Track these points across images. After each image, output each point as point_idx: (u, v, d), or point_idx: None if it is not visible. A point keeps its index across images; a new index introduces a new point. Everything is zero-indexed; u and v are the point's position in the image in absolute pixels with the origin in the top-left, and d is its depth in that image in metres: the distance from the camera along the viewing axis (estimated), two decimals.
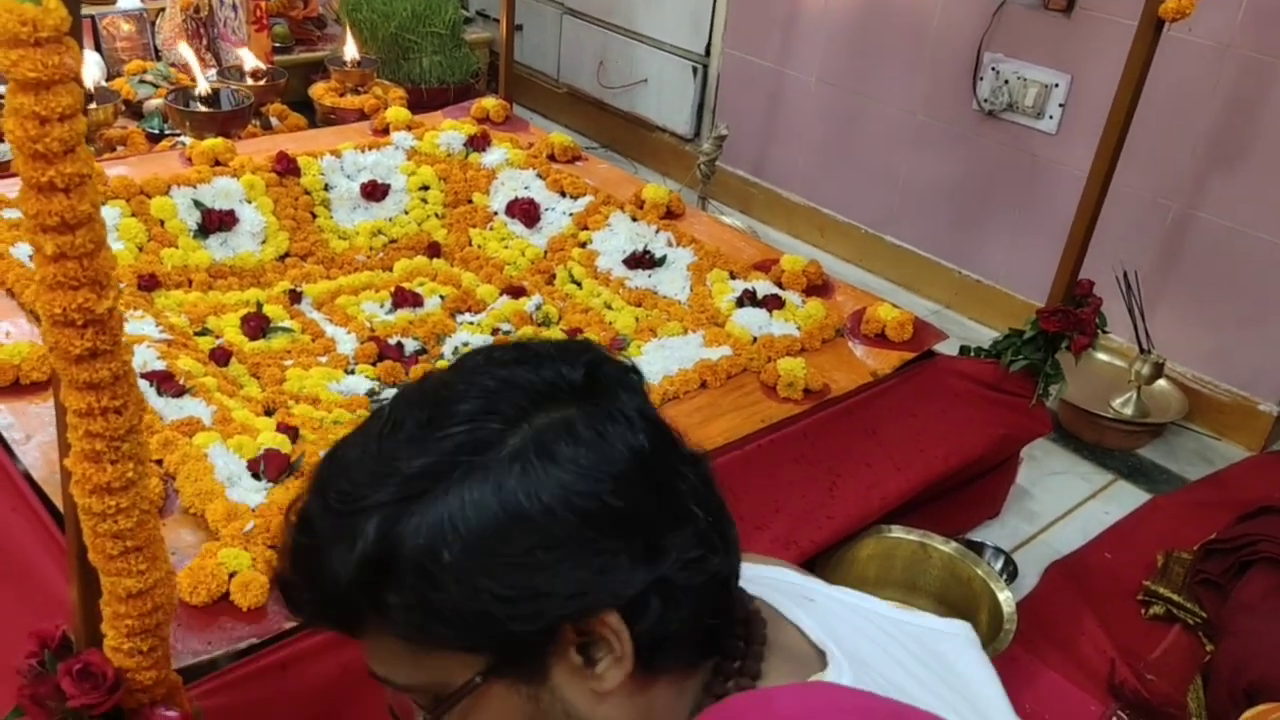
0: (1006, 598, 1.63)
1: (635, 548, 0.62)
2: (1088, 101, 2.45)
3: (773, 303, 1.95)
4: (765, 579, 0.78)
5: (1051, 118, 2.53)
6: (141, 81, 2.86)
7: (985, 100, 2.62)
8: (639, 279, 2.14)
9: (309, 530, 0.64)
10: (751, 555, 0.76)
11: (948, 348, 1.97)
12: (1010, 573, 1.87)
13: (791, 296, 1.98)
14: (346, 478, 0.63)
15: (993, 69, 2.59)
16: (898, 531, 1.74)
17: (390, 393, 1.81)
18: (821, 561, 1.63)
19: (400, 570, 0.61)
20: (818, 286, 2.04)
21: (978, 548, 1.85)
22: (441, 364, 1.92)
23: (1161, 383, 2.36)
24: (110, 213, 2.00)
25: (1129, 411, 2.32)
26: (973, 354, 1.97)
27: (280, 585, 0.67)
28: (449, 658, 0.63)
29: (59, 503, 1.21)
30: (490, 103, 2.64)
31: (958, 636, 0.82)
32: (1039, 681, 1.68)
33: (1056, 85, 2.50)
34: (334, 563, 0.62)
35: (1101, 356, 2.49)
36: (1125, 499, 2.16)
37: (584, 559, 0.61)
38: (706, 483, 0.68)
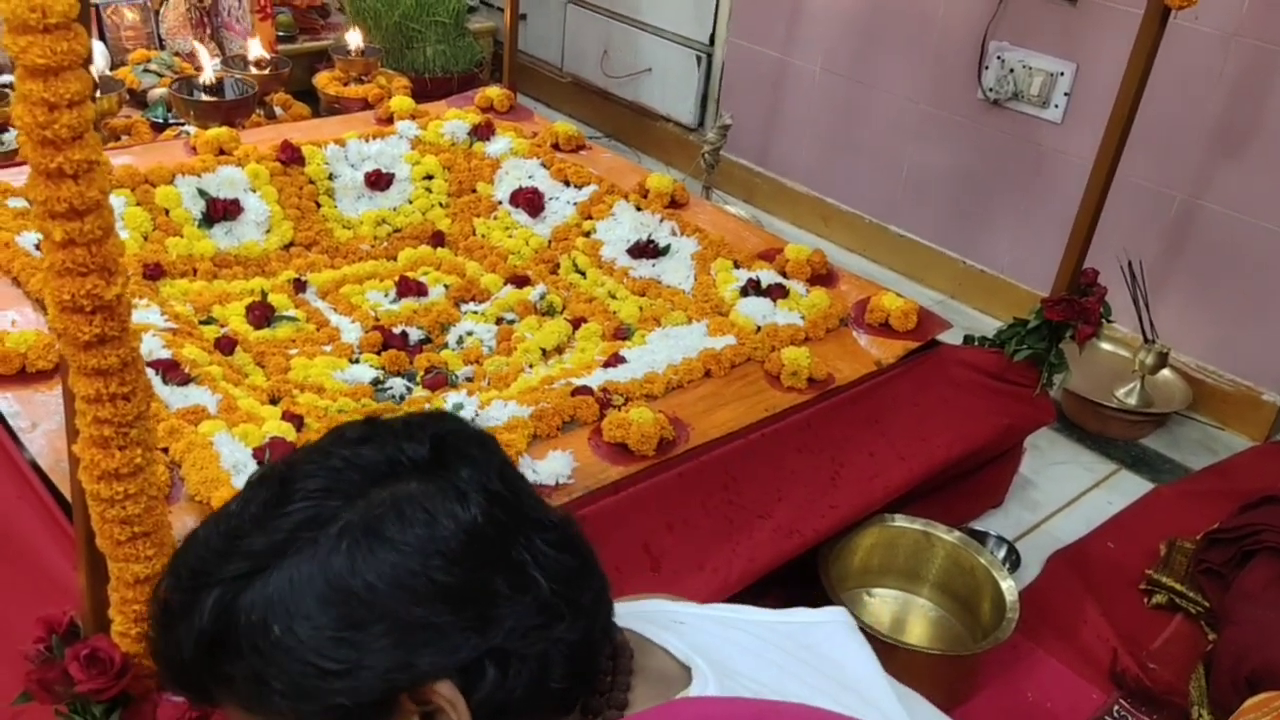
0: (1009, 587, 1.64)
1: (465, 618, 0.64)
2: (1093, 90, 2.44)
3: (777, 292, 1.95)
4: (635, 612, 0.81)
5: (1057, 107, 2.53)
6: (146, 71, 2.86)
7: (990, 89, 2.62)
8: (643, 268, 2.14)
9: (160, 605, 0.68)
10: (627, 596, 0.80)
11: (952, 337, 1.97)
12: (1013, 562, 1.87)
13: (796, 286, 1.99)
14: (196, 554, 0.67)
15: (998, 58, 2.59)
16: (901, 521, 1.74)
17: (396, 382, 1.82)
18: (825, 551, 1.63)
19: (235, 645, 0.63)
20: (822, 276, 2.04)
21: (981, 537, 1.86)
22: (446, 354, 1.92)
23: (1165, 372, 2.36)
24: (115, 202, 1.99)
25: (1133, 401, 2.32)
26: (977, 343, 1.97)
27: (152, 658, 0.71)
28: None
29: (66, 491, 1.22)
30: (494, 92, 2.64)
31: (830, 624, 0.84)
32: (1041, 670, 1.68)
33: (1062, 74, 2.49)
34: (179, 637, 0.65)
35: (1105, 346, 2.49)
36: (1128, 488, 2.17)
37: (408, 632, 0.62)
38: (563, 546, 0.70)
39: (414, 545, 0.63)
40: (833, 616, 0.85)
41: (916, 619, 1.75)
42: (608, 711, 0.71)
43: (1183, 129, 2.32)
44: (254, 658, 0.63)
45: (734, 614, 0.84)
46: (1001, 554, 1.86)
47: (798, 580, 1.62)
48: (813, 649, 0.81)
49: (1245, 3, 2.18)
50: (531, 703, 0.67)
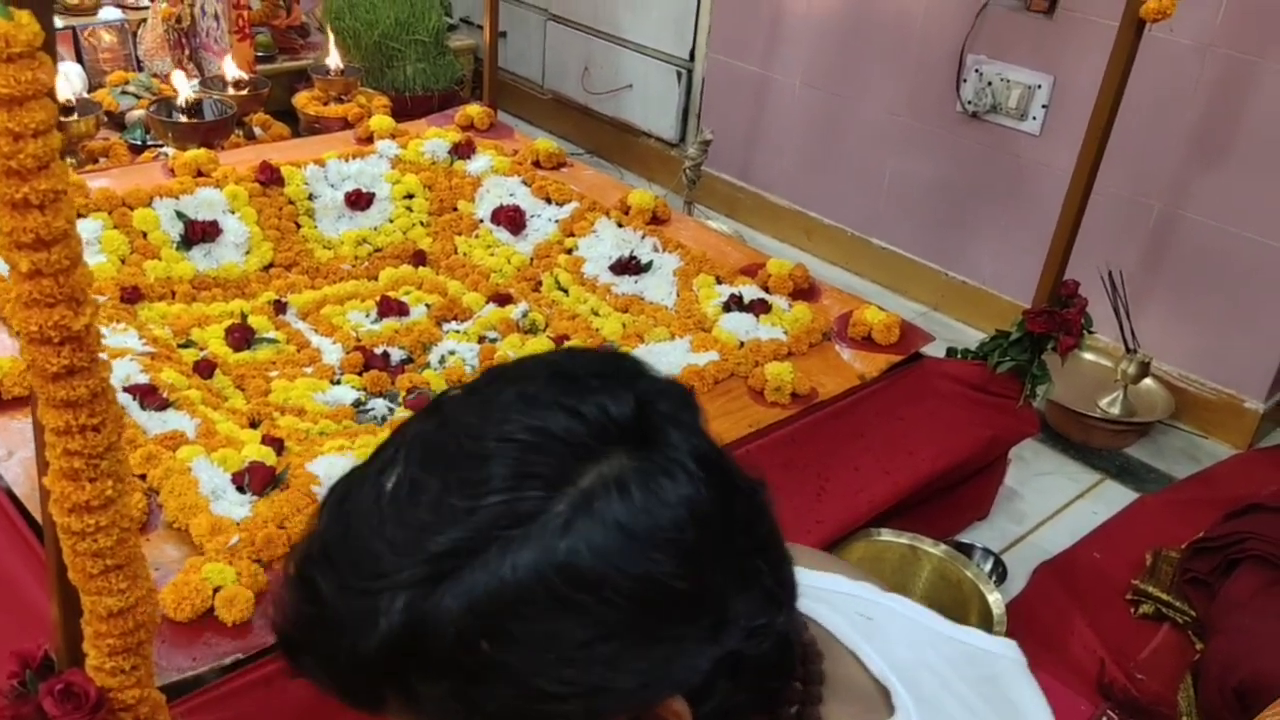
0: (996, 599, 1.63)
1: (702, 627, 0.54)
2: (1071, 102, 2.45)
3: (759, 307, 1.95)
4: (818, 592, 0.71)
5: (1035, 119, 2.54)
6: (123, 93, 2.84)
7: (969, 102, 2.63)
8: (625, 285, 2.13)
9: (318, 602, 0.55)
10: (796, 550, 0.66)
11: (935, 350, 1.97)
12: (1000, 574, 1.87)
13: (778, 301, 1.98)
14: (362, 549, 0.55)
15: (976, 71, 2.60)
16: (887, 534, 1.73)
17: (378, 403, 1.80)
18: None
19: (431, 660, 0.53)
20: (804, 290, 2.04)
21: (967, 549, 1.85)
22: (429, 373, 1.91)
23: (1148, 382, 2.37)
24: (92, 225, 1.99)
25: (1116, 411, 2.33)
26: (960, 356, 1.97)
27: (284, 646, 0.59)
28: None
29: (41, 520, 1.20)
30: (475, 110, 2.64)
31: (1008, 659, 0.76)
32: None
33: (1039, 86, 2.51)
34: (353, 643, 0.54)
35: (1088, 356, 2.49)
36: (1113, 498, 2.17)
37: (646, 648, 0.53)
38: (763, 516, 0.59)
39: (641, 541, 0.52)
40: (1009, 650, 0.77)
41: None
42: None
43: (1160, 139, 2.34)
44: (457, 676, 0.53)
45: (917, 615, 0.75)
46: (988, 566, 1.86)
47: None
48: (994, 683, 0.73)
49: (1219, 14, 2.20)
50: (746, 707, 0.59)
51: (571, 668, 0.52)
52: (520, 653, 0.52)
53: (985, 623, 1.61)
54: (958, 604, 1.70)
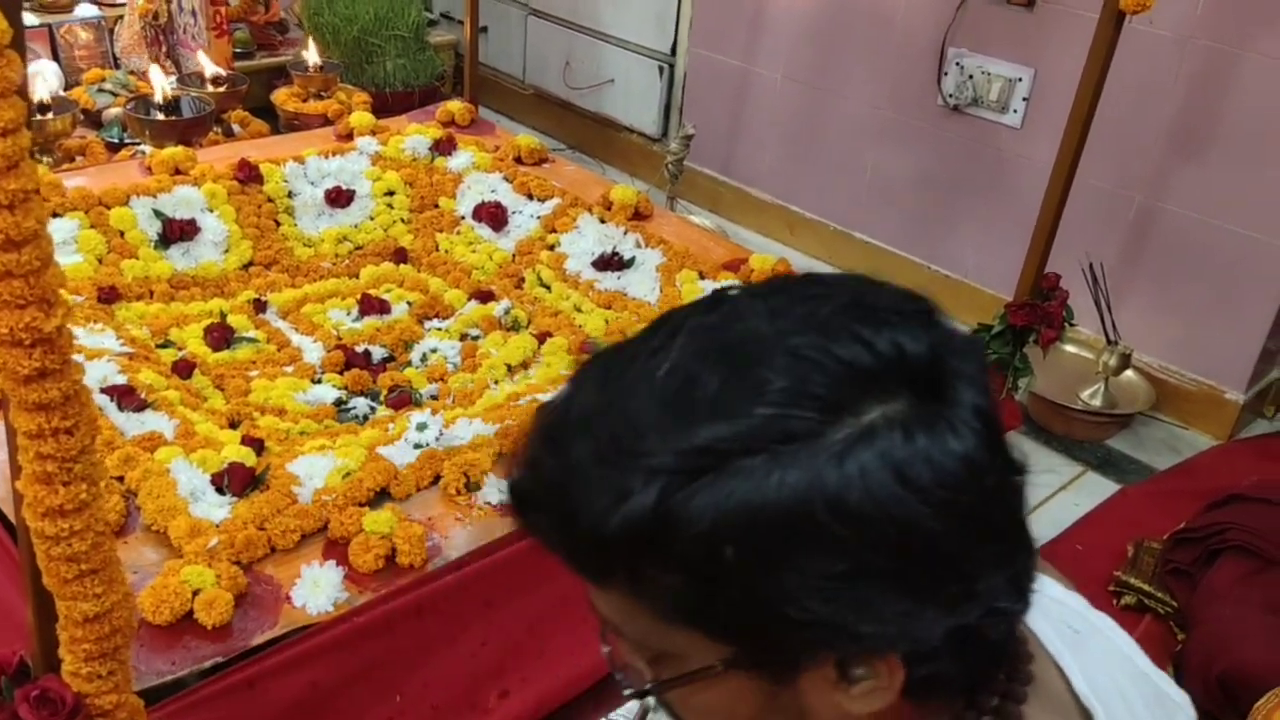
0: None
1: (949, 593, 0.53)
2: (1051, 95, 2.46)
3: None
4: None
5: (1016, 112, 2.54)
6: (100, 90, 2.81)
7: (950, 95, 2.63)
8: (608, 281, 2.13)
9: (568, 467, 0.54)
10: None
11: None
12: None
13: None
14: (626, 425, 0.53)
15: (957, 64, 2.60)
16: None
17: (359, 402, 1.79)
18: None
19: (671, 551, 0.52)
20: None
21: None
22: (410, 372, 1.90)
23: (1129, 373, 2.37)
24: (69, 224, 1.97)
25: (1097, 403, 2.34)
26: None
27: (519, 501, 0.58)
28: (694, 639, 0.56)
29: (15, 524, 1.19)
30: (455, 106, 2.62)
31: (1185, 713, 0.73)
32: None
33: (1020, 79, 2.51)
34: (594, 511, 0.53)
35: (1069, 348, 2.50)
36: (1095, 490, 2.18)
37: (892, 599, 0.52)
38: (1021, 498, 0.57)
39: (915, 489, 0.50)
40: (1187, 705, 0.73)
41: None
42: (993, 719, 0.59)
43: (1140, 131, 2.34)
44: (694, 573, 0.52)
45: (1118, 639, 0.73)
46: None
47: None
48: None
49: (1199, 6, 2.21)
50: (957, 684, 0.58)
51: (812, 599, 0.51)
52: (764, 569, 0.51)
53: None
54: None
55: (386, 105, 2.99)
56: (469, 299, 2.12)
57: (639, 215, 2.26)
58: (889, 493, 0.50)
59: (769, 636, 0.53)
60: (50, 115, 2.45)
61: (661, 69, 3.31)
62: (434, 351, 1.97)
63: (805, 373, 0.52)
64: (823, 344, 0.52)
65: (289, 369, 1.86)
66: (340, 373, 1.87)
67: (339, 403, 1.79)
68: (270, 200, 2.23)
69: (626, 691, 0.63)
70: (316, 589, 1.23)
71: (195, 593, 1.18)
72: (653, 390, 0.53)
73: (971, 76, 2.57)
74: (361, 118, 2.49)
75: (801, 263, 2.70)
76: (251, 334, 1.94)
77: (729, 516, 0.50)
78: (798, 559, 0.51)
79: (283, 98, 2.90)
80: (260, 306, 2.03)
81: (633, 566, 0.54)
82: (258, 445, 1.50)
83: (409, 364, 1.95)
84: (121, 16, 3.04)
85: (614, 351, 0.58)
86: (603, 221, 2.24)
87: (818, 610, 0.51)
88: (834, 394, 0.51)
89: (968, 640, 0.54)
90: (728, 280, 2.02)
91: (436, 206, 2.37)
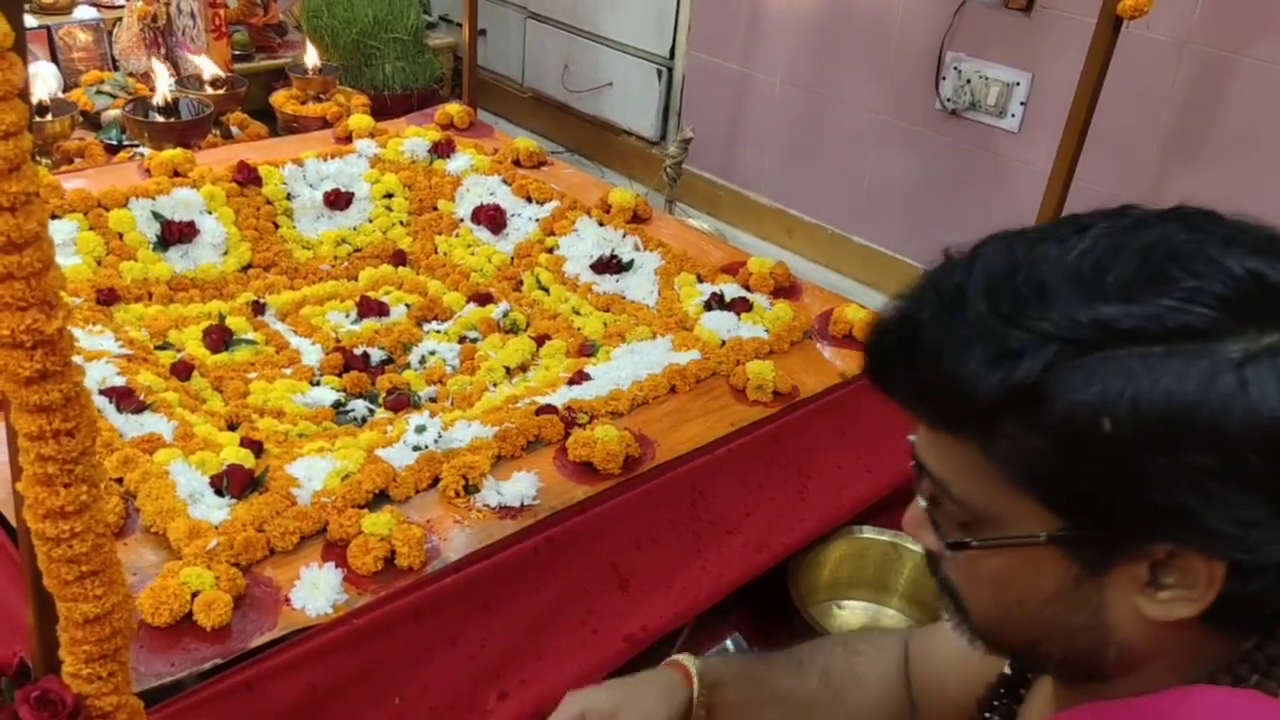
0: None
1: None
2: (1049, 99, 2.47)
3: (741, 306, 1.95)
4: None
5: (1014, 116, 2.55)
6: (99, 92, 2.82)
7: (948, 99, 2.64)
8: (606, 284, 2.13)
9: (958, 313, 0.57)
10: None
11: None
12: None
13: (759, 299, 1.98)
14: (1032, 287, 0.55)
15: (955, 68, 2.61)
16: (869, 532, 1.74)
17: (358, 404, 1.79)
18: (793, 564, 1.63)
19: (1043, 416, 0.54)
20: (785, 288, 2.04)
21: None
22: (409, 374, 1.90)
23: None
24: (67, 226, 1.97)
25: None
26: None
27: (881, 337, 0.62)
28: (1028, 506, 0.58)
29: (15, 525, 1.19)
30: (454, 108, 2.62)
31: None
32: None
33: (1018, 84, 2.52)
34: (975, 365, 0.55)
35: None
36: None
37: (1252, 504, 0.53)
38: None
39: None
40: None
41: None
42: (1269, 678, 0.60)
43: (1138, 136, 2.35)
44: (1061, 440, 0.54)
45: None
46: None
47: (767, 595, 1.62)
48: None
49: (1196, 11, 2.21)
50: (1259, 616, 0.58)
51: (1177, 486, 0.53)
52: (1138, 450, 0.53)
53: None
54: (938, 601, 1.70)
55: (385, 108, 3.00)
56: (467, 301, 2.13)
57: (637, 218, 2.26)
58: (1275, 410, 0.52)
59: (1113, 516, 0.55)
60: (49, 117, 2.45)
61: (660, 72, 3.31)
62: (432, 354, 1.97)
63: (1218, 277, 0.54)
64: (1239, 257, 0.55)
65: (288, 371, 1.86)
66: (339, 375, 1.87)
67: (337, 405, 1.79)
68: (269, 202, 2.23)
69: (924, 546, 0.66)
70: (315, 591, 1.23)
71: (194, 594, 1.18)
72: (1064, 267, 0.56)
73: (969, 81, 2.58)
74: (360, 120, 2.50)
75: (800, 266, 2.70)
76: (250, 336, 1.94)
77: (1116, 394, 0.53)
78: (1175, 448, 0.53)
79: (281, 100, 2.90)
80: (259, 309, 2.03)
81: (995, 424, 0.56)
82: (256, 447, 1.50)
83: (407, 366, 1.95)
84: (120, 19, 3.04)
85: (1019, 232, 0.61)
86: (601, 224, 2.24)
87: (1179, 498, 0.53)
88: (1240, 306, 0.53)
89: None
90: (726, 283, 2.02)
91: (435, 209, 2.37)
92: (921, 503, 0.66)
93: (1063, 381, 0.54)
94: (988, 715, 0.80)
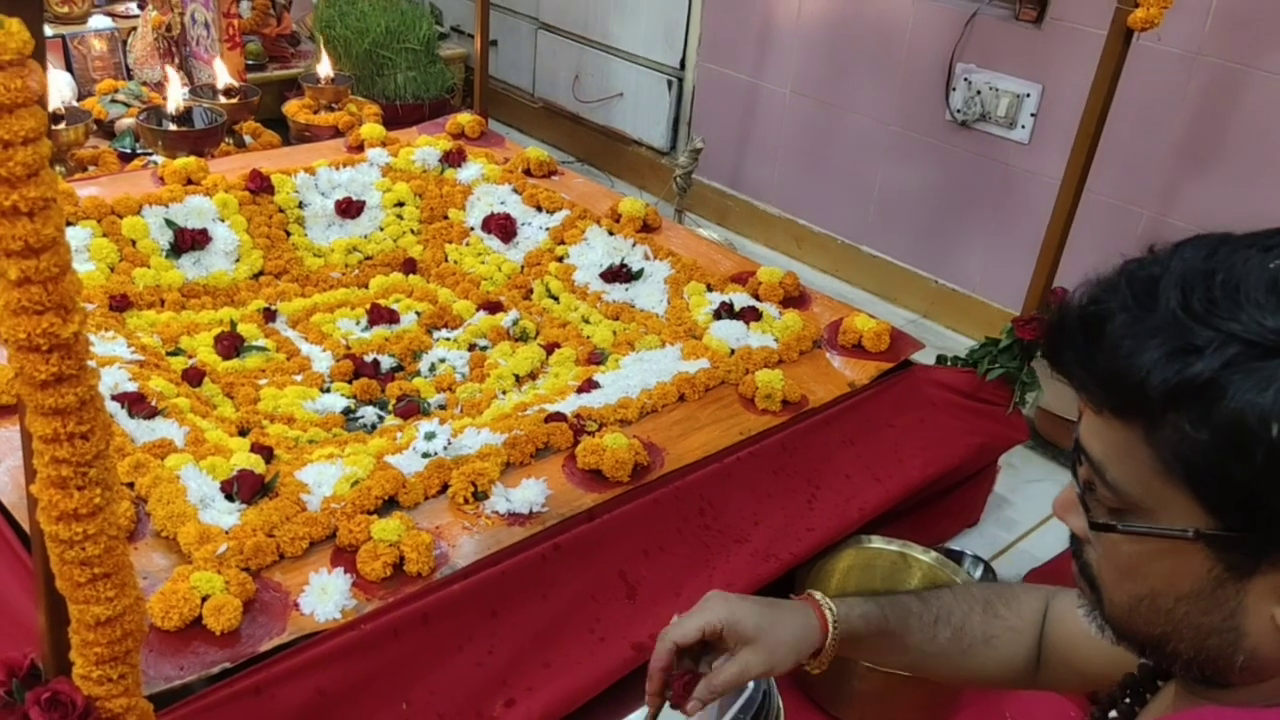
0: None
1: None
2: (1059, 111, 2.47)
3: (750, 315, 1.95)
4: None
5: (1024, 127, 2.55)
6: (113, 101, 2.84)
7: (958, 111, 2.64)
8: (616, 292, 2.14)
9: (1149, 304, 0.59)
10: None
11: (925, 357, 1.98)
12: (990, 581, 1.87)
13: (769, 308, 1.99)
14: (1227, 290, 0.57)
15: (965, 80, 2.61)
16: (877, 542, 1.73)
17: (368, 411, 1.80)
18: (802, 574, 1.62)
19: (1213, 412, 0.55)
20: (794, 298, 2.05)
21: (957, 556, 1.86)
22: (419, 381, 1.91)
23: None
24: (81, 233, 1.98)
25: None
26: (949, 363, 1.98)
27: (1065, 319, 0.63)
28: (1183, 499, 0.59)
29: (29, 528, 1.20)
30: (465, 118, 2.64)
31: None
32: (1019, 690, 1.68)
33: (1028, 95, 2.52)
34: (1144, 353, 0.57)
35: None
36: None
37: None
38: None
39: None
40: None
41: None
42: None
43: (1148, 147, 2.35)
44: (1227, 440, 0.55)
45: None
46: (978, 573, 1.86)
47: None
48: None
49: (1207, 23, 2.21)
50: None
51: None
52: None
53: None
54: None
55: (397, 117, 3.01)
56: (477, 310, 2.13)
57: (647, 228, 2.27)
58: None
59: (1267, 522, 0.56)
60: (63, 125, 2.47)
61: (670, 83, 3.32)
62: (442, 361, 1.98)
63: None
64: None
65: (298, 378, 1.87)
66: (349, 382, 1.88)
67: (347, 411, 1.80)
68: (281, 211, 2.24)
69: (1071, 529, 0.67)
70: (324, 596, 1.24)
71: (204, 599, 1.18)
72: (1263, 273, 0.57)
73: (979, 92, 2.58)
74: (372, 129, 2.51)
75: (809, 277, 2.71)
76: (261, 343, 1.95)
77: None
78: None
79: (294, 109, 2.92)
80: (270, 316, 2.04)
81: (1164, 414, 0.58)
82: (267, 453, 1.51)
83: (417, 374, 1.96)
84: (135, 28, 3.07)
85: (1225, 236, 0.62)
86: (611, 234, 2.25)
87: None
88: None
89: None
90: (736, 293, 2.03)
91: (446, 218, 2.38)
92: (1076, 487, 0.67)
93: (1239, 382, 0.55)
94: (1111, 714, 0.81)
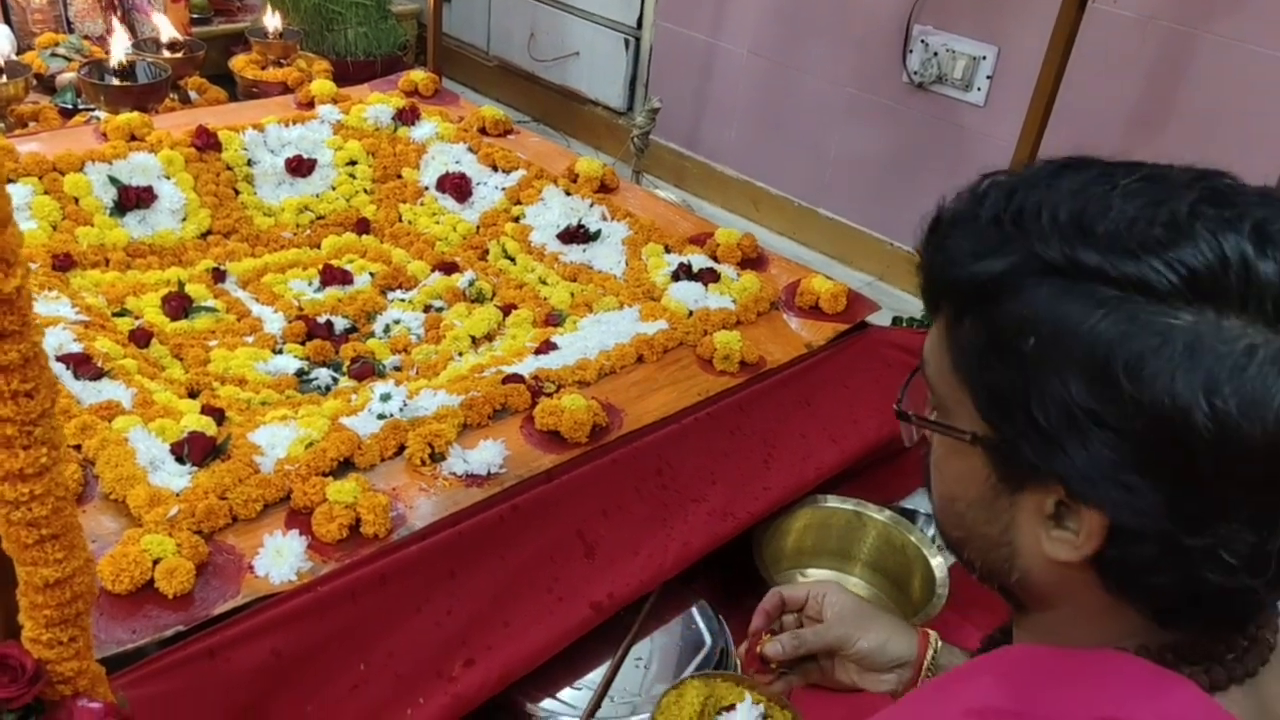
0: (939, 564, 1.66)
1: (1181, 501, 0.55)
2: (1015, 73, 2.48)
3: (708, 276, 1.95)
4: None
5: (980, 89, 2.56)
6: (54, 55, 2.75)
7: (915, 73, 2.64)
8: (573, 254, 2.12)
9: (973, 209, 0.62)
10: None
11: (881, 318, 1.99)
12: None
13: (726, 270, 1.98)
14: (1034, 205, 0.59)
15: (922, 41, 2.61)
16: (833, 501, 1.75)
17: (321, 373, 1.78)
18: (758, 533, 1.64)
19: (990, 313, 0.59)
20: (752, 260, 2.05)
21: (911, 515, 1.88)
22: (373, 343, 1.89)
23: None
24: (22, 190, 1.92)
25: None
26: (905, 324, 1.99)
27: (931, 220, 0.66)
28: (965, 400, 0.63)
29: None
30: (419, 75, 2.59)
31: None
32: (972, 643, 1.70)
33: (984, 58, 2.53)
34: (954, 250, 0.61)
35: None
36: None
37: (1131, 465, 0.55)
38: None
39: (1215, 412, 0.52)
40: None
41: None
42: (1212, 668, 0.61)
43: (1103, 110, 2.37)
44: (990, 339, 0.59)
45: None
46: (931, 531, 1.89)
47: (732, 563, 1.63)
48: None
49: None
50: (1158, 595, 0.59)
51: (1059, 414, 0.56)
52: (1042, 369, 0.56)
53: (929, 586, 1.64)
54: (902, 568, 1.72)
55: (348, 74, 2.95)
56: (432, 271, 2.11)
57: (605, 188, 2.25)
58: (1187, 396, 0.53)
59: (1016, 433, 0.59)
60: (2, 79, 2.39)
61: (627, 42, 3.29)
62: (397, 323, 1.96)
63: (1204, 251, 0.54)
64: (1237, 239, 0.54)
65: (249, 339, 1.83)
66: (302, 343, 1.85)
67: (301, 373, 1.77)
68: (229, 168, 2.19)
69: (903, 423, 0.72)
70: (279, 558, 1.22)
71: (155, 562, 1.16)
72: (1076, 199, 0.58)
73: (936, 54, 2.59)
74: (323, 86, 2.46)
75: (767, 239, 2.70)
76: (210, 303, 1.92)
77: (1051, 317, 0.56)
78: (1072, 380, 0.55)
79: (241, 65, 2.85)
80: (219, 276, 2.00)
81: (962, 312, 0.61)
82: (218, 415, 1.48)
83: (372, 335, 1.93)
84: None
85: (1087, 161, 0.63)
86: (568, 194, 2.22)
87: (1056, 426, 0.56)
88: (1210, 284, 0.54)
89: (1179, 562, 0.57)
90: (694, 254, 2.02)
91: (399, 177, 2.34)
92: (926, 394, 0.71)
93: (1016, 290, 0.58)
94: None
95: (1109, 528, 0.58)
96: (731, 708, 1.15)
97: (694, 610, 1.52)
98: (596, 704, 1.34)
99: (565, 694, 1.36)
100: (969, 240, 0.61)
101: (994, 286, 0.59)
